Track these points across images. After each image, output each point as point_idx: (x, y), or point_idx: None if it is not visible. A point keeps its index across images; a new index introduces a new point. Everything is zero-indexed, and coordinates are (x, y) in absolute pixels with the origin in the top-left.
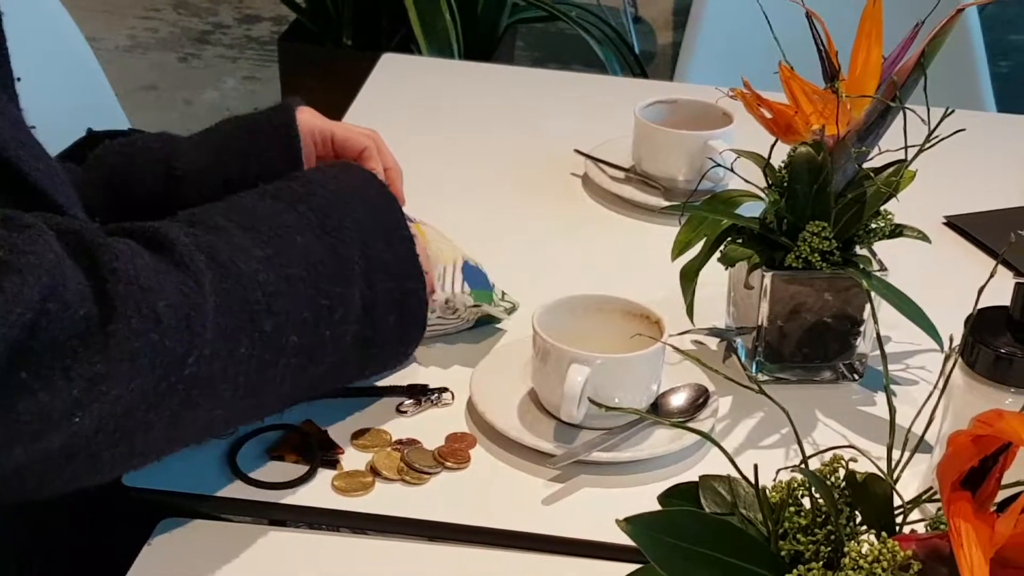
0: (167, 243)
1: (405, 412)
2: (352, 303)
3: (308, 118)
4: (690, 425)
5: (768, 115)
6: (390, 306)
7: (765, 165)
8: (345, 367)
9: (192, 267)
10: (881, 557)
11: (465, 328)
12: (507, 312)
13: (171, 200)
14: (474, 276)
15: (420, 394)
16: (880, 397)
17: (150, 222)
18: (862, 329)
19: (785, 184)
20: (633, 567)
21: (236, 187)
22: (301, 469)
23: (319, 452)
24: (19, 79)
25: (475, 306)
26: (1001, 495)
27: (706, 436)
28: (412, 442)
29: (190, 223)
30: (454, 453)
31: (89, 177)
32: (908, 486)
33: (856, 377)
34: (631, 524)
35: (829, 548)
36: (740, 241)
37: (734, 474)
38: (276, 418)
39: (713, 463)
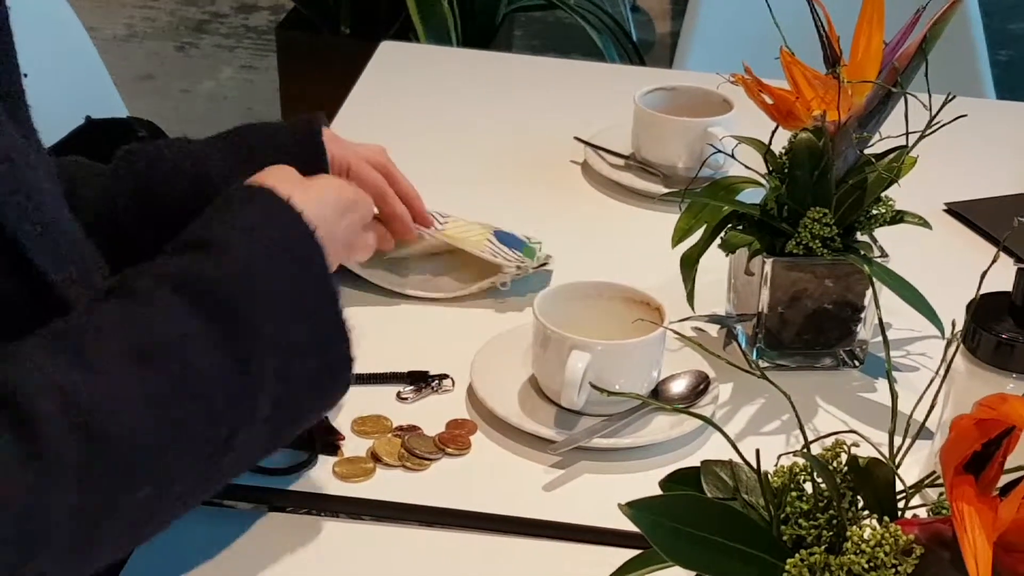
0: (31, 426)
1: (406, 399)
2: (259, 412)
3: (328, 142)
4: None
5: (769, 101)
6: (310, 386)
7: (766, 151)
8: (250, 462)
9: (52, 459)
10: (883, 541)
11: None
12: (548, 258)
13: (203, 204)
14: (509, 240)
15: (420, 381)
16: (880, 384)
17: (32, 372)
18: (863, 316)
19: (786, 170)
20: (634, 553)
21: None
22: (302, 455)
23: (319, 438)
24: (26, 75)
25: (539, 265)
26: (1004, 479)
27: (708, 421)
28: (412, 428)
29: (72, 363)
30: (455, 439)
31: (116, 185)
32: (909, 472)
33: (857, 364)
34: (633, 508)
35: (831, 532)
36: (741, 228)
37: (736, 459)
38: None
39: (713, 450)
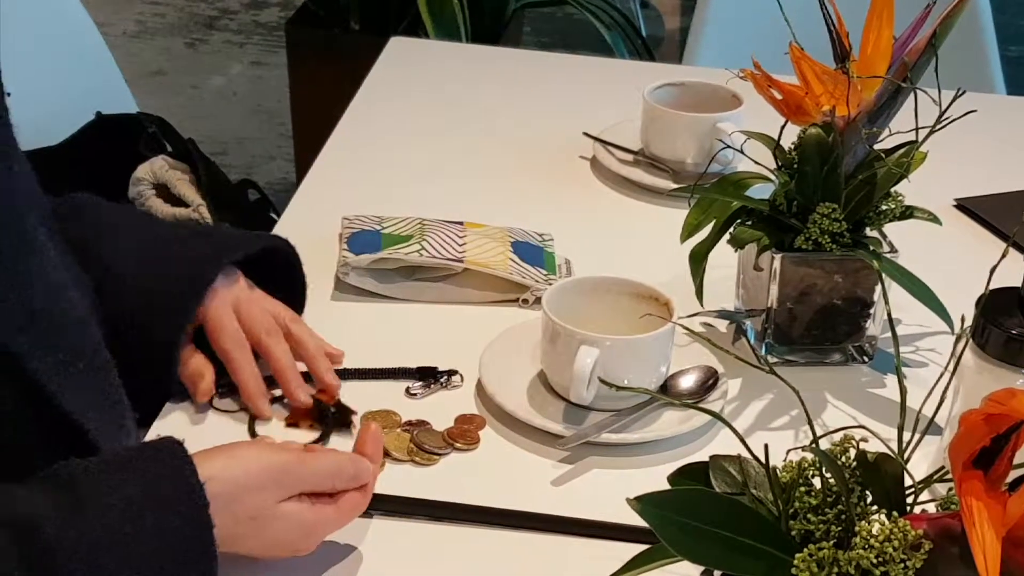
0: None
1: (415, 395)
2: None
3: (220, 297)
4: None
5: (778, 96)
6: None
7: (775, 147)
8: None
9: None
10: (892, 536)
11: None
12: (567, 266)
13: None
14: (528, 253)
15: (430, 376)
16: (889, 379)
17: None
18: (872, 311)
19: (795, 165)
20: (642, 547)
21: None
22: (315, 434)
23: (332, 416)
24: (9, 94)
25: (552, 278)
26: (1013, 474)
27: (717, 416)
28: (422, 423)
29: None
30: (464, 434)
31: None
32: (917, 468)
33: (866, 359)
34: (641, 503)
35: (840, 528)
36: (750, 223)
37: (744, 455)
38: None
39: (722, 445)
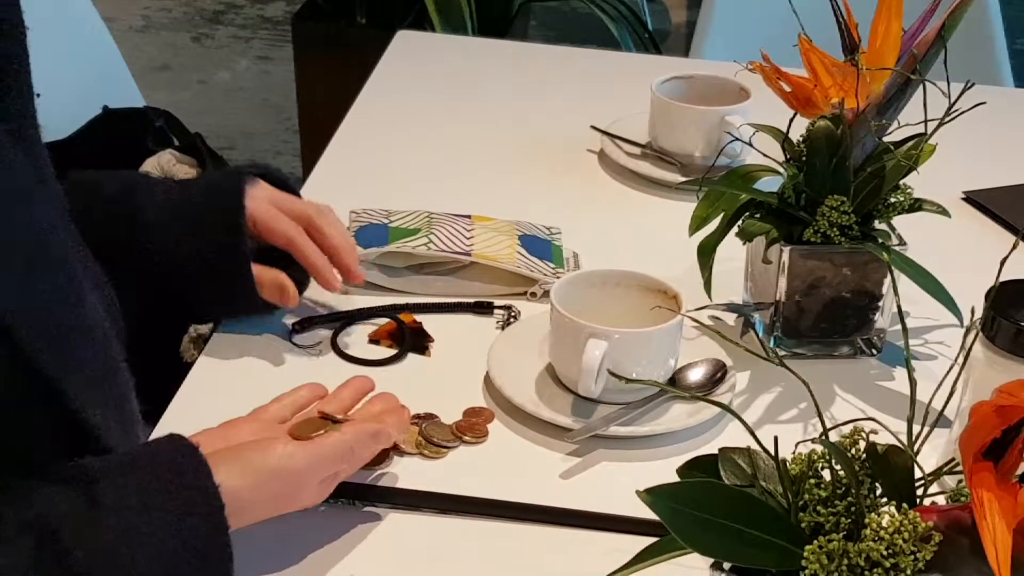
0: None
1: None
2: None
3: (256, 196)
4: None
5: (787, 88)
6: None
7: (784, 139)
8: None
9: None
10: (902, 528)
11: None
12: (575, 259)
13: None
14: (536, 247)
15: (486, 310)
16: (898, 372)
17: None
18: (880, 304)
19: (804, 158)
20: (651, 540)
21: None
22: (392, 351)
23: (409, 339)
24: (39, 95)
25: (560, 271)
26: None
27: (726, 408)
28: (430, 416)
29: None
30: (472, 427)
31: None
32: (926, 460)
33: (874, 352)
34: (651, 495)
35: (849, 520)
36: (758, 216)
37: (753, 447)
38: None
39: (730, 438)
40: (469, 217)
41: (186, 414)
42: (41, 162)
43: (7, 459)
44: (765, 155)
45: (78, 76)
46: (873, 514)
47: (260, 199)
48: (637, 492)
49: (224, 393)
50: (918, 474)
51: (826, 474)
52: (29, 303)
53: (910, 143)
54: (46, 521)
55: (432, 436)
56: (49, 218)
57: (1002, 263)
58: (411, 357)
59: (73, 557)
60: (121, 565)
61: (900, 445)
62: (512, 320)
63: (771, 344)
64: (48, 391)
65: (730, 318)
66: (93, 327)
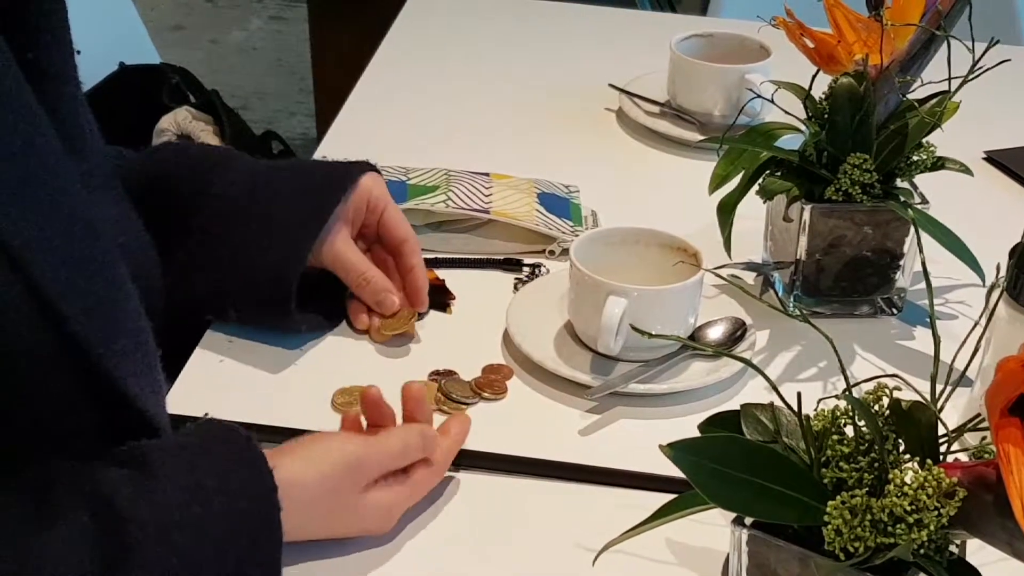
0: None
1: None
2: None
3: (370, 183)
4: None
5: (810, 44)
6: None
7: (806, 96)
8: None
9: None
10: (926, 484)
11: None
12: (594, 217)
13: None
14: (555, 205)
15: (514, 267)
16: (918, 331)
17: None
18: (901, 263)
19: (826, 116)
20: (669, 497)
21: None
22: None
23: (432, 295)
24: (79, 52)
25: (578, 229)
26: None
27: (748, 363)
28: (449, 373)
29: None
30: (491, 384)
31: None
32: (948, 419)
33: (895, 311)
34: (674, 450)
35: (872, 476)
36: (779, 174)
37: (776, 403)
38: None
39: (749, 397)
40: (487, 175)
41: (190, 396)
42: (77, 123)
43: (48, 434)
44: (787, 112)
45: (94, 33)
46: (896, 470)
47: (390, 196)
48: (660, 446)
49: (230, 369)
50: (941, 431)
51: (848, 430)
52: (63, 264)
53: (933, 101)
54: (101, 494)
55: (451, 392)
56: (75, 181)
57: None
58: (431, 313)
59: (128, 529)
60: (172, 541)
61: (924, 401)
62: (534, 277)
63: (791, 303)
64: (87, 359)
65: (749, 277)
66: (127, 296)
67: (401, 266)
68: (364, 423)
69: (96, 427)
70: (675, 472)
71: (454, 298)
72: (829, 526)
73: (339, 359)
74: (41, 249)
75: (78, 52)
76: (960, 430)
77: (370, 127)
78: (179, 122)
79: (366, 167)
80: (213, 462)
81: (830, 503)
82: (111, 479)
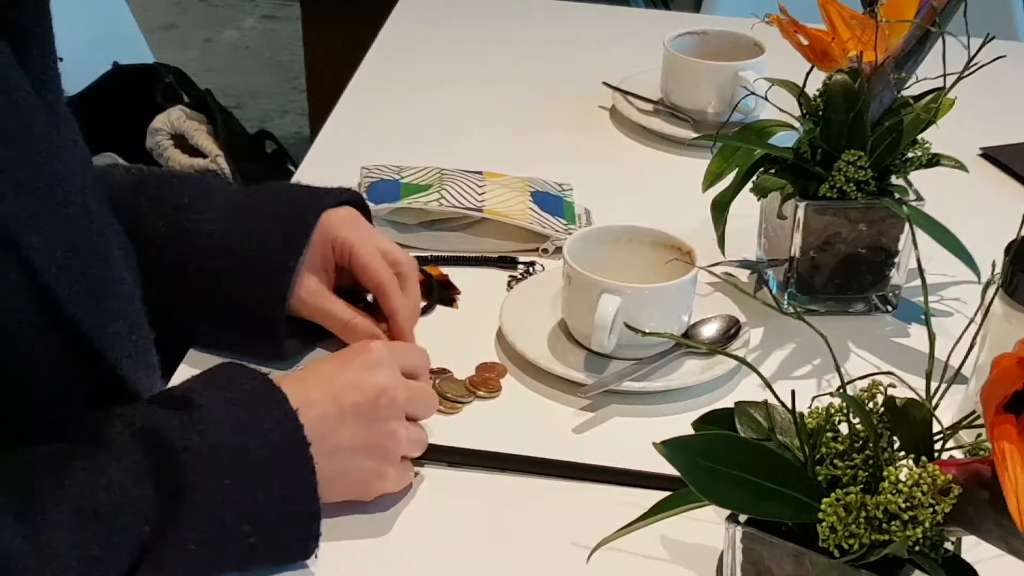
0: None
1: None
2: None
3: (334, 223)
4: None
5: (804, 41)
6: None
7: (800, 94)
8: None
9: None
10: (921, 481)
11: None
12: (587, 215)
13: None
14: (548, 203)
15: (510, 264)
16: (913, 328)
17: None
18: (896, 260)
19: (820, 113)
20: (663, 494)
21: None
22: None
23: (437, 291)
24: (62, 59)
25: (572, 227)
26: None
27: (742, 361)
28: (443, 371)
29: (16, 526)
30: (485, 382)
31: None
32: (943, 417)
33: (889, 309)
34: (668, 447)
35: (867, 473)
36: (773, 171)
37: (770, 401)
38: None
39: (742, 395)
40: (480, 173)
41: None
42: (63, 122)
43: (41, 415)
44: (781, 110)
45: (88, 32)
46: (891, 467)
47: (363, 233)
48: (654, 444)
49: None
50: (936, 428)
51: (843, 428)
52: (58, 248)
53: (928, 97)
54: (153, 428)
55: (446, 392)
56: (71, 169)
57: None
58: (426, 310)
59: (181, 458)
60: (224, 467)
61: (919, 398)
62: (529, 275)
63: (785, 301)
64: (82, 341)
65: (743, 274)
66: (120, 279)
67: (384, 310)
68: None
69: (90, 408)
70: (669, 470)
71: (459, 292)
72: (824, 523)
73: None
74: (38, 232)
75: (60, 59)
76: (955, 427)
77: (363, 126)
78: (173, 121)
79: (331, 201)
80: (244, 399)
81: (824, 500)
82: (157, 415)
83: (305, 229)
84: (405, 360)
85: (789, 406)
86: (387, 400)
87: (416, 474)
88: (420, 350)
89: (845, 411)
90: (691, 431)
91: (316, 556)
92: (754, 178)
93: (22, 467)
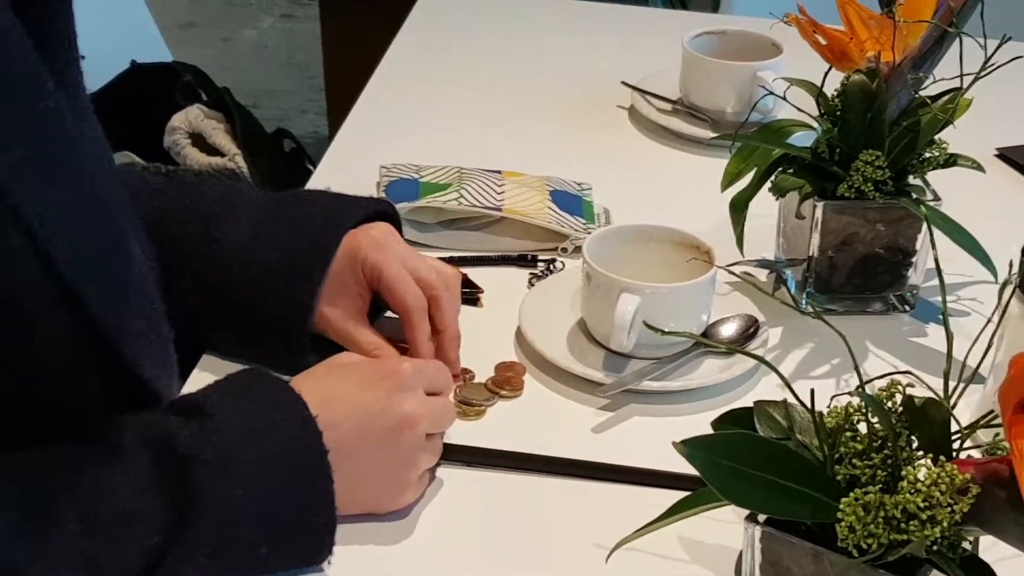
0: None
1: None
2: None
3: (363, 244)
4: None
5: (823, 41)
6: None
7: (818, 94)
8: None
9: None
10: (939, 480)
11: None
12: (606, 214)
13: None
14: (567, 202)
15: (527, 262)
16: (931, 328)
17: None
18: (914, 260)
19: (838, 113)
20: (682, 494)
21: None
22: None
23: (463, 292)
24: (84, 57)
25: (591, 227)
26: None
27: (762, 360)
28: (465, 371)
29: (19, 529)
30: (509, 381)
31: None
32: (961, 417)
33: (907, 308)
34: (688, 447)
35: (886, 472)
36: (791, 171)
37: (789, 400)
38: None
39: (761, 394)
40: (499, 172)
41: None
42: (86, 118)
43: (60, 414)
44: (800, 110)
45: (106, 31)
46: (910, 467)
47: (393, 254)
48: (674, 443)
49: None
50: (954, 428)
51: (862, 427)
52: (83, 245)
53: (945, 98)
54: (165, 438)
55: (471, 399)
56: (94, 166)
57: None
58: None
59: (192, 468)
60: (235, 477)
61: (937, 398)
62: (550, 273)
63: (803, 300)
64: (101, 339)
65: (762, 274)
66: (142, 277)
67: (406, 336)
68: None
69: (108, 407)
70: (688, 469)
71: (482, 291)
72: (842, 523)
73: None
74: (64, 230)
75: (83, 57)
76: (973, 427)
77: (382, 125)
78: (191, 120)
79: (359, 215)
80: (259, 406)
81: (843, 500)
82: (170, 423)
83: (332, 242)
84: (431, 381)
85: (808, 405)
86: (411, 428)
87: (432, 478)
88: (445, 370)
89: (864, 410)
90: (710, 431)
91: (330, 562)
92: (772, 178)
93: (31, 475)
